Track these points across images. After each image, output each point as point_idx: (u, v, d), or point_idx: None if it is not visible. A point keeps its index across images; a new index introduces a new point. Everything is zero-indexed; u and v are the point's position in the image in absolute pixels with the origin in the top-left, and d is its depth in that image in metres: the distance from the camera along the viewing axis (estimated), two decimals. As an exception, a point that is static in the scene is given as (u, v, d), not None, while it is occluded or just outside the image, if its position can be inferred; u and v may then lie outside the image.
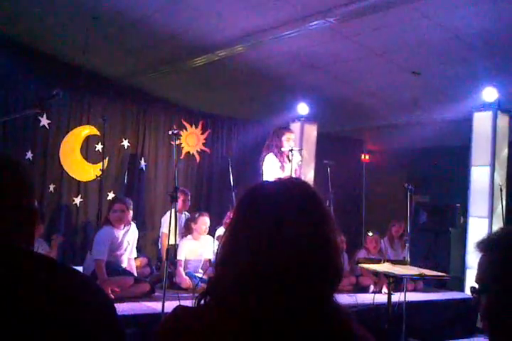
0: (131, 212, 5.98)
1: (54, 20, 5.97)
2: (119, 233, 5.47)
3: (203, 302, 1.17)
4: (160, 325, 1.14)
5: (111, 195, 7.68)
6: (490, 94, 6.59)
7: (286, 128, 6.54)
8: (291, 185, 1.22)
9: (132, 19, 5.81)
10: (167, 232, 6.17)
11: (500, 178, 6.61)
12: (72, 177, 7.44)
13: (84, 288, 1.14)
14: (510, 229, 1.18)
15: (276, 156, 6.14)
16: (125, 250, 5.54)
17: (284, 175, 5.98)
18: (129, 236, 5.59)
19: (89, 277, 1.33)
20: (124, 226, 5.57)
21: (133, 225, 5.77)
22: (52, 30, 6.32)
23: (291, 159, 6.02)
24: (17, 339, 0.99)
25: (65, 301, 1.06)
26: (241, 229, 1.17)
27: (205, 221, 6.24)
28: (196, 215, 6.34)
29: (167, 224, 5.40)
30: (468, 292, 5.60)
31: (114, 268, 5.29)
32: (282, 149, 6.14)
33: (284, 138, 6.18)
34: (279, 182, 1.25)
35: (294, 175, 5.80)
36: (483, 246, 1.16)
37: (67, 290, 1.09)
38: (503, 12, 5.05)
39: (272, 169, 6.09)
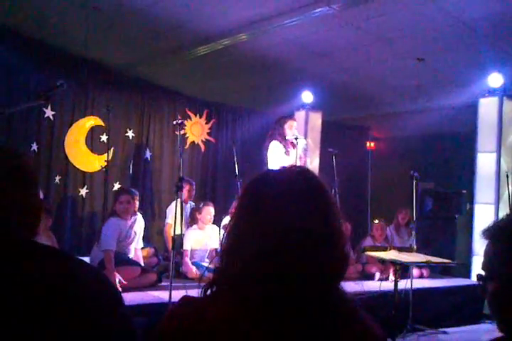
0: (137, 203, 5.99)
1: (55, 10, 5.94)
2: (126, 224, 5.48)
3: (209, 292, 1.17)
4: (166, 316, 1.14)
5: (116, 186, 7.69)
6: (495, 79, 6.55)
7: (288, 117, 6.59)
8: (296, 174, 1.22)
9: (134, 9, 5.78)
10: (171, 223, 6.21)
11: (506, 165, 6.58)
12: (78, 169, 7.45)
13: (91, 278, 1.14)
14: (516, 216, 1.18)
15: (280, 143, 6.19)
16: (132, 240, 5.55)
17: (290, 160, 6.01)
18: (135, 226, 5.60)
19: (95, 268, 1.33)
20: (131, 216, 5.58)
21: (139, 215, 5.78)
22: (53, 21, 6.29)
23: (295, 145, 6.06)
24: (20, 330, 0.99)
25: (71, 292, 1.06)
26: (246, 219, 1.17)
27: (209, 210, 6.24)
28: (201, 205, 6.35)
29: (172, 214, 5.41)
30: (474, 278, 5.61)
31: (121, 259, 5.30)
32: (287, 137, 6.18)
33: (286, 125, 6.23)
34: (284, 170, 1.24)
35: (299, 163, 5.81)
36: (490, 233, 1.15)
37: (73, 280, 1.09)
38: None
39: (277, 156, 6.12)
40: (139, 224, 5.67)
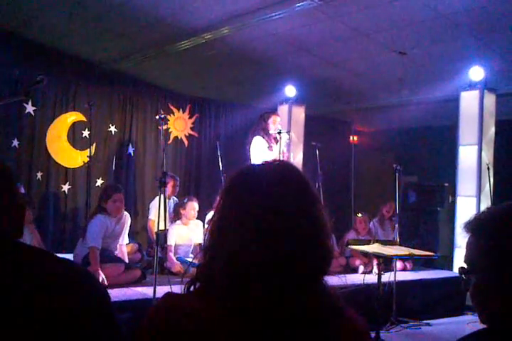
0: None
1: (36, 4, 5.87)
2: (113, 221, 5.44)
3: (192, 288, 1.16)
4: (149, 312, 1.13)
5: (99, 182, 7.64)
6: (477, 73, 6.60)
7: (271, 112, 6.64)
8: (278, 168, 1.22)
9: (116, 2, 5.73)
10: (154, 218, 6.17)
11: (487, 157, 6.65)
12: (60, 165, 7.38)
13: (80, 278, 1.13)
14: (496, 209, 1.18)
15: (263, 138, 6.21)
16: (118, 237, 5.51)
17: (272, 156, 6.03)
18: (122, 223, 5.55)
19: (83, 268, 1.32)
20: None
21: (124, 212, 5.73)
22: (34, 15, 6.21)
23: (278, 140, 6.09)
24: (6, 330, 0.98)
25: (57, 291, 1.05)
26: (229, 214, 1.17)
27: (193, 206, 6.24)
28: (185, 200, 6.34)
29: (155, 210, 5.37)
30: (456, 270, 5.67)
31: (106, 255, 5.26)
32: (270, 132, 6.20)
33: (270, 120, 6.27)
34: (266, 165, 1.24)
35: (281, 158, 5.84)
36: (471, 226, 1.16)
37: (61, 281, 1.08)
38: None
39: (259, 151, 6.14)
40: (125, 220, 5.62)
